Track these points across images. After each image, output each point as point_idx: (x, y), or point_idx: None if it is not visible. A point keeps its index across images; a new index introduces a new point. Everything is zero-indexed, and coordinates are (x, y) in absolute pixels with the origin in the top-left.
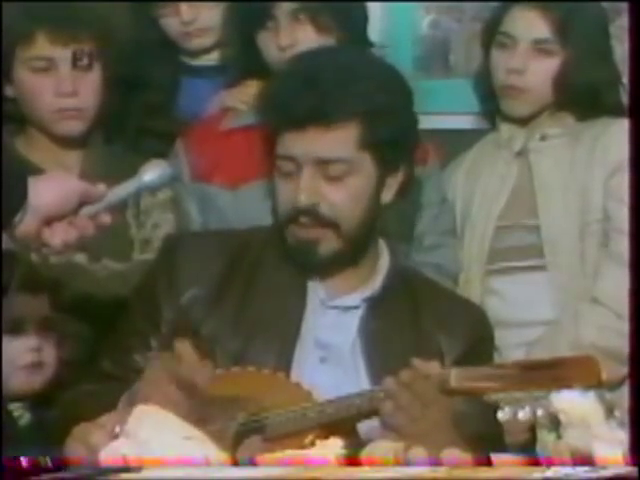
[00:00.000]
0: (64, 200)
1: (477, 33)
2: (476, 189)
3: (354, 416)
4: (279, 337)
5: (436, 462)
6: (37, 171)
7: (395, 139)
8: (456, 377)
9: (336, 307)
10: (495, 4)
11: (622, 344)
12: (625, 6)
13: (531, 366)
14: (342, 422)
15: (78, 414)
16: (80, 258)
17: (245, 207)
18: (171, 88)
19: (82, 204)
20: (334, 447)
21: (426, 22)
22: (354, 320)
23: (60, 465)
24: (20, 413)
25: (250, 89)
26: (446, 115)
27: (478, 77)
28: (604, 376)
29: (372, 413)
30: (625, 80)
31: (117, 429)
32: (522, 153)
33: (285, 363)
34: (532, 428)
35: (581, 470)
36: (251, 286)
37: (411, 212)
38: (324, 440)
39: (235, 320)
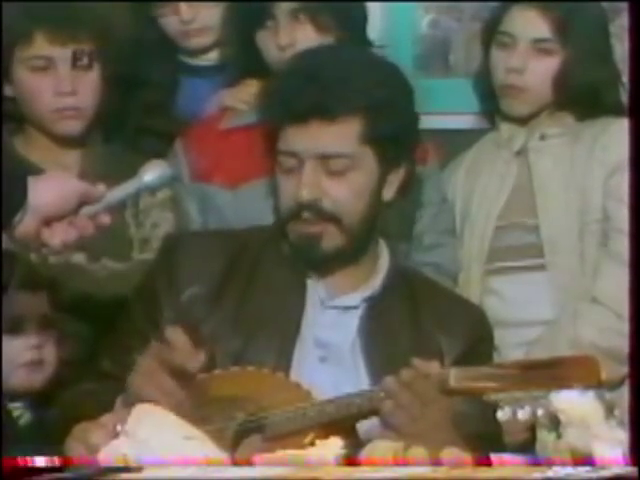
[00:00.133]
0: (64, 200)
1: (477, 32)
2: (476, 189)
3: (354, 416)
4: (279, 336)
5: (436, 462)
6: (36, 171)
7: (396, 135)
8: (456, 377)
9: (336, 307)
10: (495, 3)
11: (622, 344)
12: (625, 6)
13: (531, 366)
14: (342, 422)
15: (78, 414)
16: (79, 258)
17: (244, 207)
18: (170, 87)
19: (82, 204)
20: (334, 447)
21: (426, 21)
22: (354, 320)
23: (60, 465)
24: (20, 413)
25: (250, 88)
26: (446, 115)
27: (478, 77)
28: (604, 376)
29: (372, 413)
30: (625, 80)
31: (118, 428)
32: (522, 153)
33: (285, 363)
34: (532, 428)
35: (581, 470)
36: (251, 285)
37: (411, 211)
38: (324, 440)
39: (235, 320)
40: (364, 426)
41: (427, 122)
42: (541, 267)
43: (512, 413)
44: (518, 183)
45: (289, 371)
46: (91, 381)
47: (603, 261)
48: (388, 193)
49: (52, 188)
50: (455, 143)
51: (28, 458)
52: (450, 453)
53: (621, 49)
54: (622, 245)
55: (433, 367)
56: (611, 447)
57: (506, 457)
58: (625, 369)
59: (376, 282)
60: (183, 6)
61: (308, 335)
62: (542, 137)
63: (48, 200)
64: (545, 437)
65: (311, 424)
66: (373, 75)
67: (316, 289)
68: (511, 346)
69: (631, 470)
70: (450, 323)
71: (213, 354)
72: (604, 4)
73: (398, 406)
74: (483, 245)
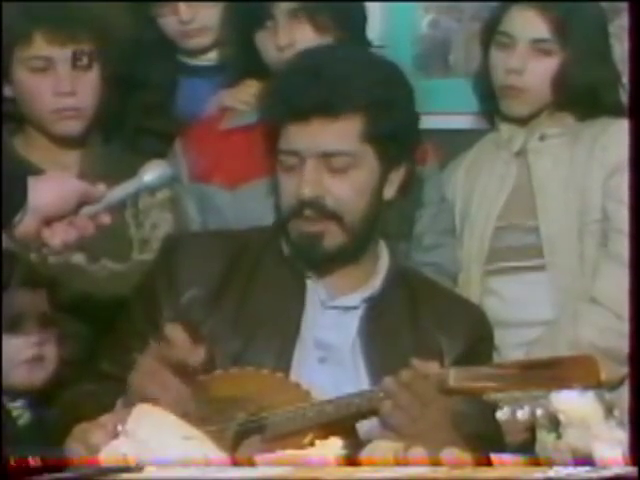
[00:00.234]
0: (64, 200)
1: (476, 33)
2: (475, 189)
3: (354, 416)
4: (279, 337)
5: (436, 462)
6: (36, 171)
7: (397, 133)
8: (455, 377)
9: (336, 307)
10: (494, 4)
11: (621, 344)
12: (625, 6)
13: (530, 366)
14: (342, 422)
15: (78, 414)
16: (79, 258)
17: (244, 207)
18: (169, 88)
19: (82, 204)
20: (334, 447)
21: (425, 22)
22: (354, 320)
23: (60, 465)
24: (20, 413)
25: (249, 89)
26: (445, 115)
27: (477, 77)
28: (603, 376)
29: (372, 413)
30: (625, 80)
31: (119, 428)
32: (521, 153)
33: (285, 363)
34: (531, 428)
35: (581, 470)
36: (251, 286)
37: (411, 211)
38: (324, 440)
39: (234, 320)
40: (364, 426)
41: (427, 122)
42: (541, 267)
43: (512, 413)
44: (518, 183)
45: (289, 372)
46: (91, 381)
47: (603, 261)
48: (389, 192)
49: (52, 188)
50: (454, 143)
51: (28, 458)
52: (450, 453)
53: (621, 49)
54: (622, 245)
55: (433, 367)
56: (611, 447)
57: (506, 457)
58: (625, 369)
59: (376, 282)
60: (182, 6)
61: (308, 336)
62: (542, 137)
63: (48, 200)
64: (545, 437)
65: (311, 424)
66: (374, 74)
67: (316, 290)
68: (511, 346)
69: (631, 470)
70: (450, 323)
71: (213, 355)
72: (604, 4)
73: (398, 406)
74: (483, 245)
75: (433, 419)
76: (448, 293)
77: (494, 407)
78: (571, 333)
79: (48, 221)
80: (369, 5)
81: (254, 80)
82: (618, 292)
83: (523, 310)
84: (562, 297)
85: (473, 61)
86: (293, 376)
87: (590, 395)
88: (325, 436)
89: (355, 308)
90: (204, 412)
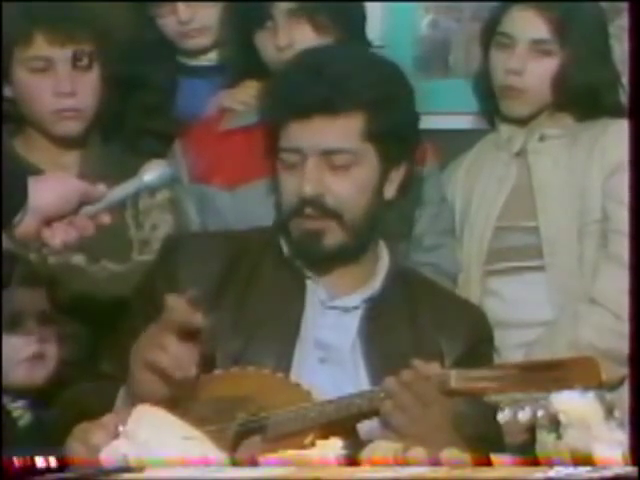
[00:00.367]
0: (64, 200)
1: (476, 33)
2: (475, 189)
3: (354, 416)
4: (279, 337)
5: (436, 462)
6: (36, 171)
7: (398, 132)
8: (456, 378)
9: (336, 308)
10: (494, 4)
11: (621, 345)
12: (624, 6)
13: (531, 367)
14: (342, 422)
15: (78, 414)
16: (79, 259)
17: (244, 208)
18: (169, 88)
19: (82, 204)
20: (334, 447)
21: (425, 22)
22: (354, 321)
23: (60, 465)
24: (20, 413)
25: (248, 89)
26: (445, 115)
27: (477, 77)
28: (604, 377)
29: (372, 413)
30: (624, 80)
31: (120, 428)
32: (521, 154)
33: (285, 363)
34: (532, 429)
35: (581, 470)
36: (251, 286)
37: (410, 212)
38: (324, 440)
39: (235, 321)
40: (365, 427)
41: (427, 122)
42: (541, 268)
43: (512, 414)
44: (517, 184)
45: (289, 372)
46: (91, 382)
47: (602, 262)
48: (389, 191)
49: (52, 188)
50: (454, 144)
51: (28, 458)
52: (450, 453)
53: (621, 49)
54: (621, 246)
55: (433, 368)
56: (611, 448)
57: (506, 458)
58: (625, 370)
59: (376, 283)
60: (181, 6)
61: (308, 336)
62: (541, 138)
63: (48, 200)
64: (545, 438)
65: (311, 425)
66: (375, 72)
67: (316, 290)
68: (511, 347)
69: (631, 470)
70: (450, 324)
71: (213, 355)
72: (603, 4)
73: (398, 407)
74: (483, 246)
75: (434, 420)
76: (448, 293)
77: (495, 408)
78: (571, 334)
79: (48, 221)
80: (369, 5)
81: (254, 80)
82: (618, 293)
83: (523, 310)
84: (562, 298)
85: (473, 61)
86: (293, 376)
87: (590, 396)
88: (326, 436)
89: (355, 308)
90: (204, 412)
